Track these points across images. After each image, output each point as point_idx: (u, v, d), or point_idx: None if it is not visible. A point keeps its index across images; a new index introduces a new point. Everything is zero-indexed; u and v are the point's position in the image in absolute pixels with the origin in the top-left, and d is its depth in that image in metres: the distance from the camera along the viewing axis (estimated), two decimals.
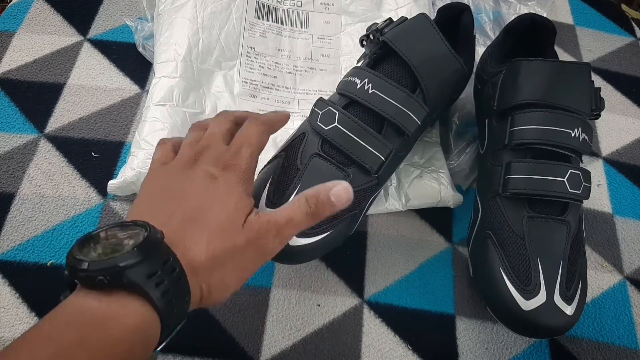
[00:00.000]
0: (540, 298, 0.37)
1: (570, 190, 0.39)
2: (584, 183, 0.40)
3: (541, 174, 0.40)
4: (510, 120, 0.42)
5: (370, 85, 0.40)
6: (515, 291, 0.38)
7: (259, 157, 0.47)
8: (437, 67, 0.42)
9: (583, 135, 0.41)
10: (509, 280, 0.38)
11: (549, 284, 0.37)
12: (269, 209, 0.37)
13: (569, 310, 0.37)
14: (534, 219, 0.40)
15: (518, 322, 0.38)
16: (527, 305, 0.37)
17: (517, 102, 0.42)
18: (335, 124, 0.39)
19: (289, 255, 0.37)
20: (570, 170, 0.40)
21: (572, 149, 0.40)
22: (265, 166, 0.41)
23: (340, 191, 0.32)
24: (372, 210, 0.45)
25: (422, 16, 0.42)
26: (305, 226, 0.32)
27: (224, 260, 0.29)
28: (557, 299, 0.37)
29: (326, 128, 0.40)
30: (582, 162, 0.43)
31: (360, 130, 0.39)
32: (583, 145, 0.41)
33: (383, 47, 0.42)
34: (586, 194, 0.41)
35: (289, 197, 0.37)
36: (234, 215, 0.31)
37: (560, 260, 0.38)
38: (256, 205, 0.38)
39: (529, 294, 0.37)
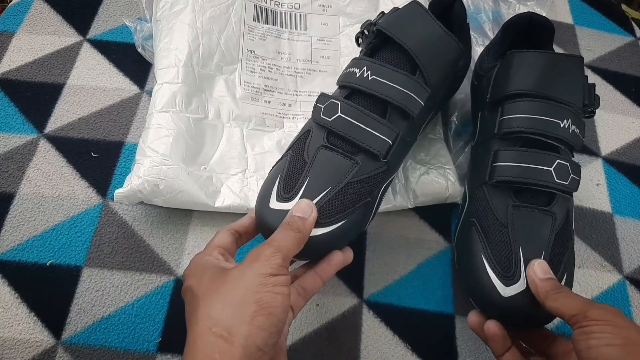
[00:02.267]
0: (520, 285, 0.37)
1: (556, 180, 0.39)
2: (572, 175, 0.40)
3: (528, 162, 0.40)
4: (500, 109, 0.42)
5: (369, 72, 0.40)
6: (495, 277, 0.37)
7: (267, 161, 0.47)
8: (434, 47, 0.42)
9: (573, 127, 0.41)
10: (490, 266, 0.38)
11: None
12: (280, 203, 0.37)
13: None
14: (519, 208, 0.39)
15: (496, 308, 0.37)
16: (506, 291, 0.37)
17: (509, 92, 0.42)
18: (339, 113, 0.39)
19: (303, 247, 0.37)
20: (557, 161, 0.40)
21: (561, 139, 0.40)
22: (273, 166, 0.41)
23: (299, 204, 0.35)
24: (382, 207, 0.45)
25: (414, 3, 0.43)
26: (297, 248, 0.34)
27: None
28: None
29: (330, 119, 0.40)
30: (573, 157, 0.43)
31: (364, 117, 0.39)
32: (573, 137, 0.41)
33: (378, 35, 0.43)
34: (574, 186, 0.40)
35: (299, 190, 0.37)
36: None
37: (543, 250, 0.38)
38: (267, 202, 0.37)
39: (508, 280, 0.37)
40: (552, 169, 0.39)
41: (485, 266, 0.38)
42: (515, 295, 0.36)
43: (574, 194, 0.51)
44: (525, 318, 0.37)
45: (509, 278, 0.37)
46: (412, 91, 0.40)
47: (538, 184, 0.39)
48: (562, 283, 0.38)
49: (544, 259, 0.38)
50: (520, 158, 0.40)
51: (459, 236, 0.43)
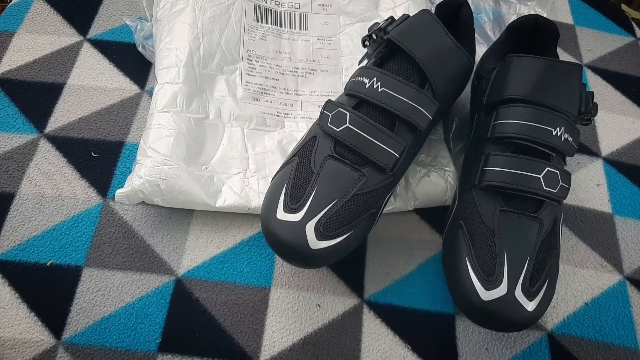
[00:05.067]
0: (501, 290, 0.37)
1: (545, 187, 0.39)
2: (561, 183, 0.40)
3: (517, 168, 0.40)
4: (495, 113, 0.42)
5: (379, 83, 0.40)
6: (477, 280, 0.37)
7: (268, 161, 0.48)
8: (444, 61, 0.42)
9: (566, 136, 0.41)
10: (472, 269, 0.38)
11: (511, 278, 0.37)
12: (287, 214, 0.37)
13: (530, 306, 0.37)
14: (506, 212, 0.40)
15: (476, 311, 0.37)
16: (487, 295, 0.37)
17: (504, 97, 0.42)
18: (347, 124, 0.39)
19: (310, 259, 0.37)
20: (547, 168, 0.40)
21: (552, 147, 0.40)
22: (277, 172, 0.41)
23: None
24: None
25: (424, 12, 0.43)
26: None
27: None
28: (519, 293, 0.37)
29: (338, 129, 0.40)
30: (565, 164, 0.43)
31: (373, 129, 0.39)
32: (565, 146, 0.41)
33: (388, 45, 0.43)
34: (563, 194, 0.40)
35: (306, 202, 0.37)
36: None
37: (527, 256, 0.38)
38: (273, 212, 0.38)
39: (490, 285, 0.37)
40: (541, 176, 0.40)
41: (468, 269, 0.38)
42: (496, 299, 0.36)
43: (574, 194, 0.51)
44: (504, 323, 0.37)
45: (490, 282, 0.37)
46: (421, 105, 0.40)
47: (526, 191, 0.39)
48: (544, 290, 0.38)
49: (528, 265, 0.38)
50: (509, 164, 0.40)
51: (446, 236, 0.43)
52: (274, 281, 0.44)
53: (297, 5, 0.58)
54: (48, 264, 0.43)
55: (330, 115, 0.40)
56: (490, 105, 0.44)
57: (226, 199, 0.45)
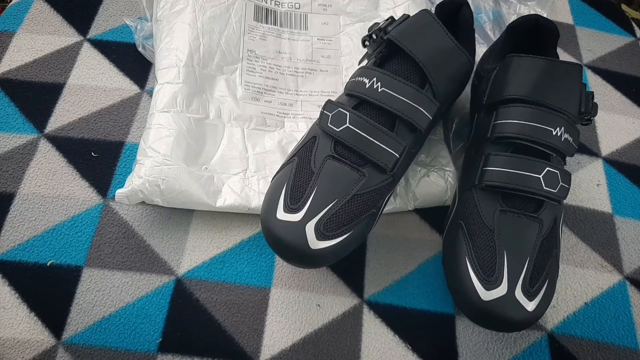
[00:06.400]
0: (501, 290, 0.37)
1: (545, 187, 0.39)
2: (561, 183, 0.40)
3: (517, 168, 0.40)
4: (495, 113, 0.42)
5: (379, 83, 0.40)
6: (477, 280, 0.37)
7: (268, 161, 0.48)
8: (444, 61, 0.42)
9: (566, 136, 0.41)
10: (472, 269, 0.38)
11: (511, 278, 0.37)
12: (287, 214, 0.37)
13: (530, 306, 0.37)
14: (506, 213, 0.40)
15: (476, 311, 0.37)
16: (487, 295, 0.37)
17: (504, 97, 0.42)
18: (347, 124, 0.40)
19: (310, 259, 0.37)
20: (547, 168, 0.40)
21: (552, 147, 0.41)
22: (277, 172, 0.41)
23: None
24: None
25: (424, 12, 0.43)
26: None
27: None
28: (518, 293, 0.37)
29: (338, 129, 0.40)
30: (565, 164, 0.43)
31: (373, 129, 0.39)
32: (565, 146, 0.41)
33: (388, 45, 0.43)
34: (563, 194, 0.40)
35: (306, 202, 0.37)
36: None
37: (527, 256, 0.38)
38: (273, 212, 0.38)
39: (490, 285, 0.37)
40: (541, 176, 0.40)
41: (468, 269, 0.38)
42: (496, 299, 0.37)
43: (574, 194, 0.51)
44: (504, 322, 0.37)
45: (490, 282, 0.37)
46: (420, 105, 0.40)
47: (526, 191, 0.40)
48: (544, 290, 0.38)
49: (528, 265, 0.38)
50: (509, 164, 0.40)
51: (446, 237, 0.43)
52: (274, 281, 0.44)
53: (297, 5, 0.58)
54: (48, 264, 0.43)
55: (330, 115, 0.40)
56: (490, 105, 0.44)
57: (226, 199, 0.45)
